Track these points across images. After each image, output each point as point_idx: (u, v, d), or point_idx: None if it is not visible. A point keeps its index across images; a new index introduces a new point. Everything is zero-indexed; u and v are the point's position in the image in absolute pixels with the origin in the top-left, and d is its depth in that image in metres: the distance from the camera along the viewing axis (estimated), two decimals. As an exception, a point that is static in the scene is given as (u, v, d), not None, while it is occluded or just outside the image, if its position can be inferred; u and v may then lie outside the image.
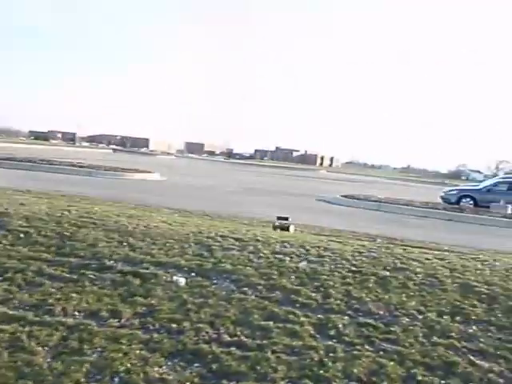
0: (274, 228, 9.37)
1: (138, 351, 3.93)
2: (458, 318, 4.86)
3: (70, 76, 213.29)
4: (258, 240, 6.91)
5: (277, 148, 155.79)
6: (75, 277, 5.16)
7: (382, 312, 4.90)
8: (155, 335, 4.18)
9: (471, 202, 21.49)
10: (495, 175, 56.48)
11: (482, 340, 4.49)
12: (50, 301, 4.60)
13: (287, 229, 9.39)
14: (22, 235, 6.23)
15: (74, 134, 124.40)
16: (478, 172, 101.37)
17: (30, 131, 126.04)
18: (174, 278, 5.26)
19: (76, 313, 4.44)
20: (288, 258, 6.16)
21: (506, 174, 56.21)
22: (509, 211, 19.05)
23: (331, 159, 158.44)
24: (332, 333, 4.44)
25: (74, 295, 4.73)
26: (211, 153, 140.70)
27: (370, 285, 5.52)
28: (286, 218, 10.06)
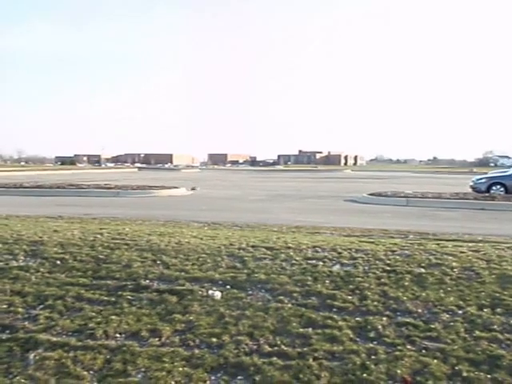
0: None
1: (181, 368, 3.97)
2: (498, 310, 4.79)
3: (91, 100, 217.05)
4: (289, 247, 6.92)
5: (300, 151, 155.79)
6: (113, 299, 5.24)
7: (420, 310, 4.86)
8: (196, 351, 4.22)
9: (502, 189, 21.12)
10: (524, 159, 55.34)
11: (525, 331, 4.42)
12: (91, 325, 4.67)
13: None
14: (58, 262, 6.35)
15: (98, 156, 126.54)
16: (507, 157, 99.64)
17: (57, 157, 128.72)
18: (210, 292, 5.30)
19: (117, 335, 4.51)
20: (321, 263, 6.16)
21: (536, 156, 55.07)
22: (542, 195, 18.68)
23: (355, 158, 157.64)
24: (372, 335, 4.42)
25: (113, 317, 4.80)
26: (235, 162, 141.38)
27: (406, 283, 5.48)
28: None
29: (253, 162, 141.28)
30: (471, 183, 22.90)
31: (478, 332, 4.41)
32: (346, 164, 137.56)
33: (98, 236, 7.73)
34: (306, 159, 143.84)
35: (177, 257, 6.48)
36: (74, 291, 5.43)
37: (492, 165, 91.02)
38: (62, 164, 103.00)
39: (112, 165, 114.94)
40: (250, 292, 5.36)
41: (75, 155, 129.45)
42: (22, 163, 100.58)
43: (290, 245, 7.08)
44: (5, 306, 5.08)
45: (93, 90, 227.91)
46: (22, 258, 6.55)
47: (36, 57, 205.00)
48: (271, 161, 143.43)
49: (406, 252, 6.65)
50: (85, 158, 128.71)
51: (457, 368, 3.90)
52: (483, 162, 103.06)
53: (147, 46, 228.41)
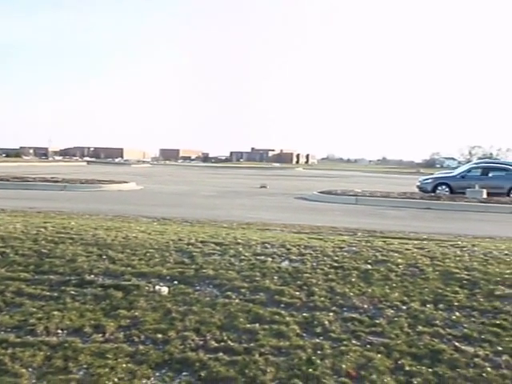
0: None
1: (124, 365, 3.88)
2: (441, 306, 4.92)
3: (38, 89, 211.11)
4: (238, 243, 6.90)
5: (252, 149, 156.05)
6: (56, 294, 5.08)
7: (366, 306, 4.93)
8: (141, 347, 4.14)
9: (447, 190, 21.83)
10: (469, 161, 57.44)
11: (465, 326, 4.55)
12: (32, 321, 4.51)
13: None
14: (-2, 256, 6.11)
15: (46, 148, 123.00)
16: (452, 159, 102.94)
17: (1, 149, 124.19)
18: (157, 287, 5.21)
19: (59, 331, 4.37)
20: (270, 259, 6.16)
21: (479, 159, 57.25)
22: (484, 196, 19.38)
23: (307, 156, 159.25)
24: (318, 330, 4.45)
25: (55, 313, 4.65)
26: (187, 158, 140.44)
27: (353, 279, 5.54)
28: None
29: (205, 158, 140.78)
30: (418, 183, 23.55)
31: (420, 327, 4.51)
32: (297, 162, 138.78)
33: (42, 230, 7.49)
34: (258, 157, 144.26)
35: (123, 252, 6.35)
36: (15, 286, 5.24)
37: (438, 166, 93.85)
38: (6, 156, 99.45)
39: (60, 158, 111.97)
40: (198, 287, 5.30)
41: (21, 147, 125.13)
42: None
43: (240, 240, 7.05)
44: None
45: (40, 80, 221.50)
46: (-40, 251, 6.27)
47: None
48: (223, 157, 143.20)
49: (354, 249, 6.74)
50: (31, 151, 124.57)
51: (400, 362, 3.97)
52: (430, 163, 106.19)
53: (100, 35, 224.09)
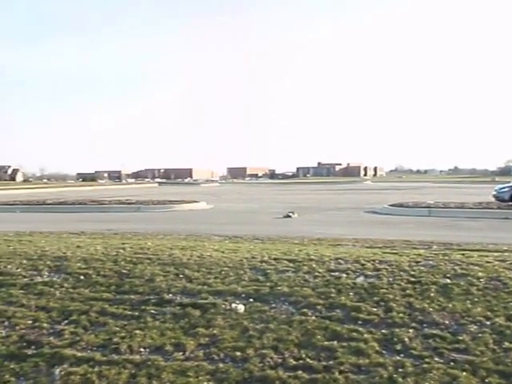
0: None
1: (205, 383, 3.94)
2: (528, 321, 4.69)
3: (111, 117, 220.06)
4: (311, 259, 6.88)
5: (319, 163, 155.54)
6: (137, 313, 5.24)
7: (447, 321, 4.77)
8: (221, 365, 4.19)
9: (526, 198, 20.79)
10: (547, 167, 54.58)
11: (556, 341, 4.31)
12: (116, 339, 4.67)
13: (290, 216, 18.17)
14: (81, 277, 6.39)
15: (119, 172, 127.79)
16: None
17: (78, 173, 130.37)
18: (233, 305, 5.27)
19: (141, 349, 4.50)
20: (344, 275, 6.10)
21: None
22: None
23: (375, 169, 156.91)
24: (398, 347, 4.35)
25: (137, 332, 4.80)
26: (254, 175, 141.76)
27: (432, 294, 5.39)
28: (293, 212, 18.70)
29: (272, 174, 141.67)
30: (494, 192, 22.57)
31: (507, 343, 4.31)
32: (365, 175, 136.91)
33: (121, 251, 7.77)
34: (325, 171, 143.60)
35: (199, 270, 6.47)
36: (98, 306, 5.45)
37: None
38: (83, 180, 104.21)
39: (132, 180, 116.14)
40: (274, 305, 5.32)
41: (96, 171, 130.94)
42: (45, 180, 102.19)
43: (313, 257, 7.03)
44: (30, 322, 5.11)
45: (109, 105, 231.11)
46: (47, 273, 6.61)
47: (46, 75, 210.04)
48: (290, 173, 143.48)
49: (431, 263, 6.55)
50: (105, 174, 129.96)
51: (487, 380, 3.82)
52: (505, 171, 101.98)
53: (154, 59, 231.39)
